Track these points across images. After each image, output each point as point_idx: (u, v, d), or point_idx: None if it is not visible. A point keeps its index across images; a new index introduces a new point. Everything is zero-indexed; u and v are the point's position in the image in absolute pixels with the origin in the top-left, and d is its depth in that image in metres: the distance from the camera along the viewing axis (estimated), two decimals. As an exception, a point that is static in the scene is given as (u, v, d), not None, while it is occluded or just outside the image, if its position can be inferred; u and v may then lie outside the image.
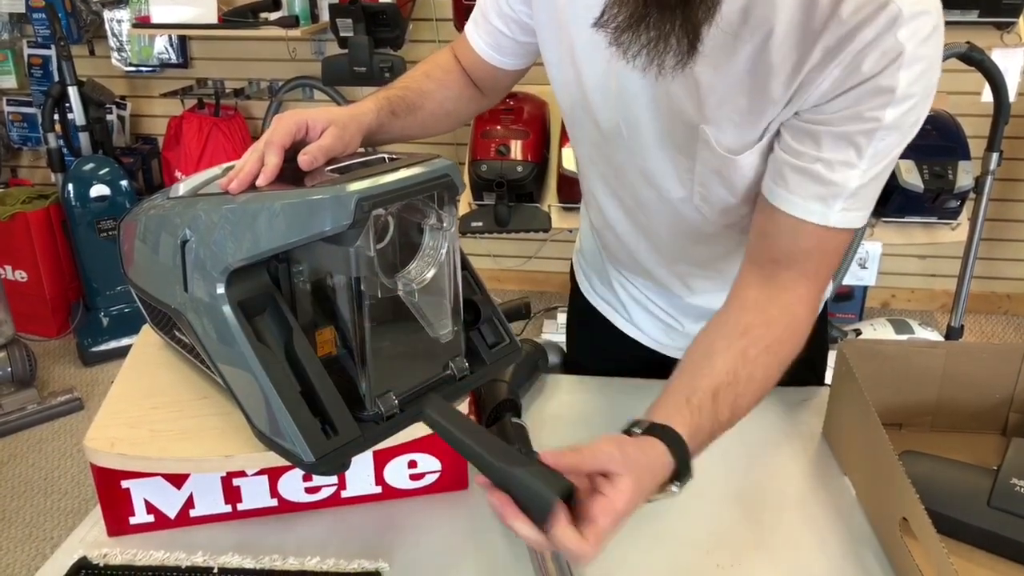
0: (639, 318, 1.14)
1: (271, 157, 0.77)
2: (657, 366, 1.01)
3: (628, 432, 0.71)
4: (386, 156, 0.80)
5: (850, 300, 2.95)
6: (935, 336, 2.51)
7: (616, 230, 1.04)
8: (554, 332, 2.87)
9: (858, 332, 2.55)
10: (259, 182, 0.76)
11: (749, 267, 0.84)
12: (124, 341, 2.86)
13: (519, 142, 2.49)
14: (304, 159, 0.78)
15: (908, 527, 0.74)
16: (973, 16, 2.41)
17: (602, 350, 1.19)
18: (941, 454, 0.89)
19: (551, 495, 0.61)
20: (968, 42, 2.17)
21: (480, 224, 2.45)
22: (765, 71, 0.75)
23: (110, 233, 2.83)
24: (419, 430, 0.81)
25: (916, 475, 0.74)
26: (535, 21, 0.93)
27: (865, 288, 2.94)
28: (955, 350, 0.95)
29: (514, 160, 2.47)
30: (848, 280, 2.50)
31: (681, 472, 0.70)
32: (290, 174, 0.78)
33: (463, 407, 0.85)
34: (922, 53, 0.70)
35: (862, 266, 2.57)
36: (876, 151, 0.74)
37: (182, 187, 0.83)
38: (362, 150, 0.86)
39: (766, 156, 0.81)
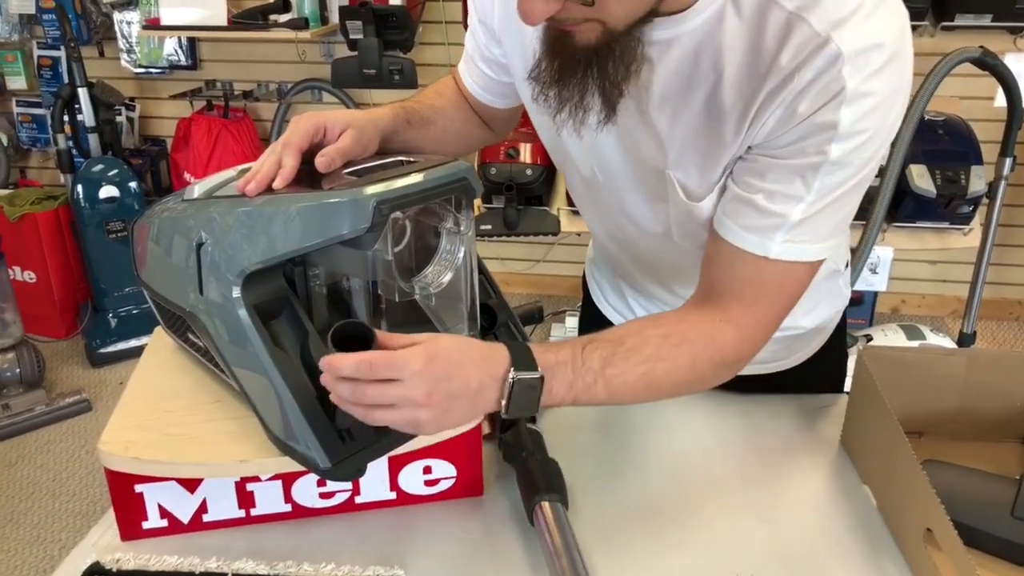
0: None
1: (288, 159, 0.77)
2: None
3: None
4: (403, 159, 0.80)
5: (860, 305, 2.93)
6: (947, 342, 2.50)
7: (616, 257, 1.06)
8: (562, 336, 2.86)
9: (869, 338, 2.54)
10: (276, 184, 0.75)
11: (696, 288, 0.83)
12: (132, 342, 2.86)
13: (528, 145, 2.48)
14: (321, 161, 0.77)
15: (932, 538, 0.73)
16: (987, 20, 2.39)
17: None
18: (962, 463, 0.88)
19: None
20: (981, 46, 2.16)
21: (489, 227, 2.45)
22: (718, 115, 0.75)
23: (119, 234, 2.83)
24: (435, 436, 0.80)
25: (938, 485, 0.73)
26: (508, 63, 0.92)
27: (875, 293, 2.92)
28: (977, 357, 0.94)
29: (523, 163, 2.47)
30: (859, 286, 2.49)
31: (515, 361, 0.69)
32: (307, 176, 0.77)
33: (479, 412, 0.84)
34: (870, 88, 0.69)
35: (873, 271, 2.55)
36: (823, 185, 0.73)
37: (197, 189, 0.83)
38: (379, 153, 0.85)
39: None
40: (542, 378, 0.69)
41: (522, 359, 0.69)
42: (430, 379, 0.66)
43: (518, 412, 0.70)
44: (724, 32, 0.72)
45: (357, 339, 0.66)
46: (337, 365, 0.65)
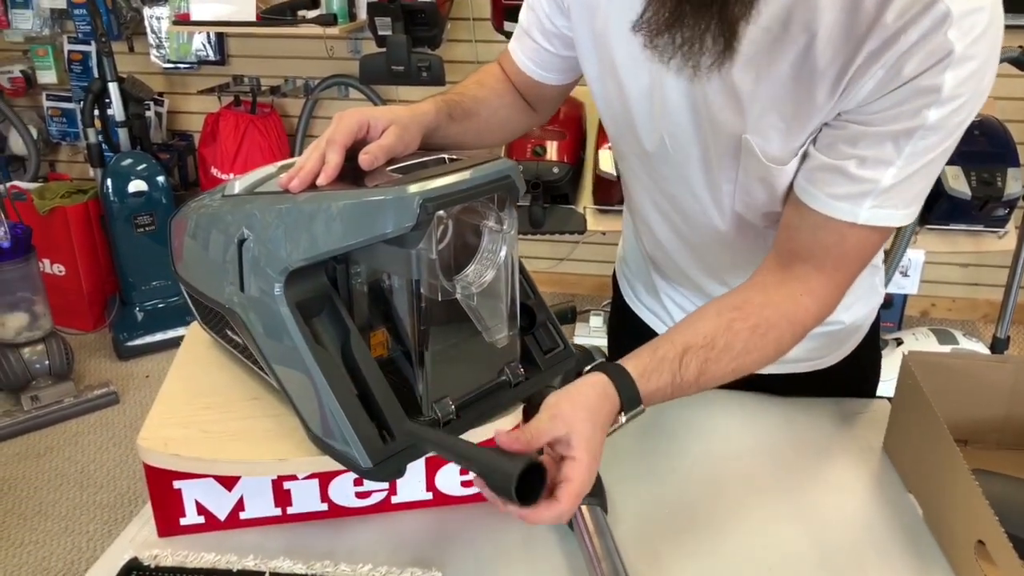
0: None
1: (332, 155, 0.76)
2: None
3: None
4: (446, 156, 0.79)
5: (889, 308, 2.89)
6: (980, 347, 2.45)
7: (662, 244, 1.03)
8: (586, 335, 2.84)
9: (899, 341, 2.50)
10: (320, 181, 0.75)
11: (770, 255, 0.84)
12: (159, 336, 2.88)
13: (555, 143, 2.47)
14: (365, 158, 0.76)
15: (984, 551, 0.71)
16: (1026, 20, 2.34)
17: None
18: (1009, 472, 0.86)
19: (513, 469, 0.65)
20: (1021, 47, 2.11)
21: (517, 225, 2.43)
22: (809, 77, 0.73)
23: (147, 228, 2.85)
24: (475, 436, 0.79)
25: (987, 495, 0.71)
26: (574, 36, 0.91)
27: (905, 296, 2.88)
28: (1026, 365, 0.92)
29: (550, 161, 2.45)
30: (890, 288, 2.45)
31: (626, 403, 0.73)
32: (350, 173, 0.77)
33: (517, 414, 0.83)
34: (973, 52, 0.68)
35: (904, 274, 2.51)
36: (915, 150, 0.72)
37: (237, 185, 0.82)
38: (422, 150, 0.84)
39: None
40: (644, 409, 0.74)
41: (630, 398, 0.73)
42: (593, 471, 0.70)
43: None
44: None
45: (532, 480, 0.67)
46: (538, 517, 0.68)
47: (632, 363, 0.74)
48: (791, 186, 0.82)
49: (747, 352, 0.77)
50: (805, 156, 0.79)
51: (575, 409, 0.70)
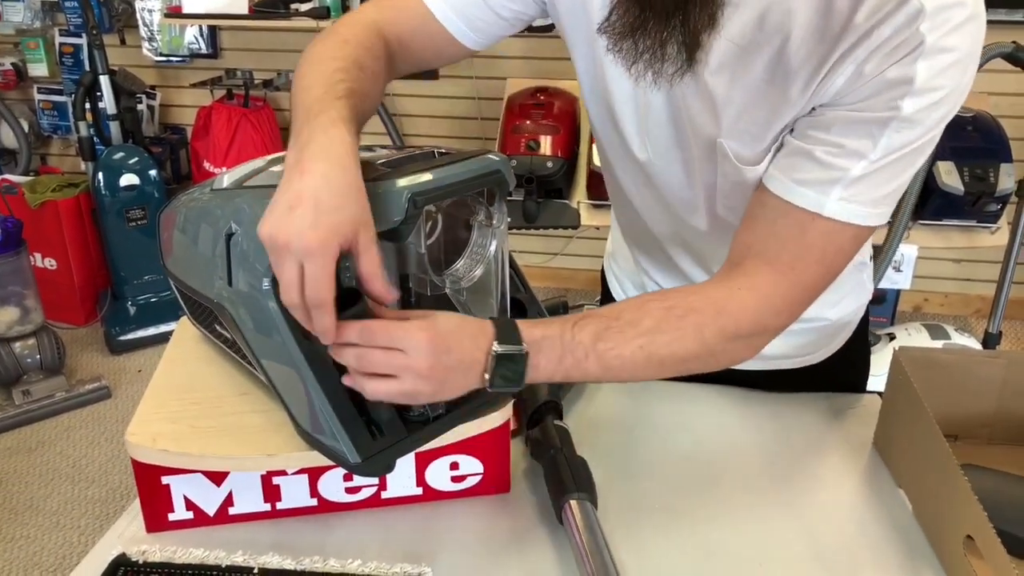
0: None
1: (327, 319, 0.64)
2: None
3: None
4: (435, 151, 0.78)
5: (882, 304, 2.89)
6: (972, 342, 2.46)
7: (649, 238, 1.01)
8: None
9: (891, 336, 2.51)
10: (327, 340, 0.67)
11: (725, 261, 0.80)
12: (151, 330, 2.87)
13: (549, 138, 2.47)
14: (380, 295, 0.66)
15: (973, 545, 0.71)
16: (1020, 15, 2.35)
17: None
18: (999, 467, 0.86)
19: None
20: (1014, 42, 2.11)
21: (508, 219, 2.43)
22: (783, 78, 0.73)
23: (138, 222, 2.84)
24: (463, 431, 0.79)
25: (977, 490, 0.72)
26: (565, 32, 0.88)
27: (898, 292, 2.88)
28: (1017, 360, 0.92)
29: (544, 156, 2.45)
30: (883, 284, 2.46)
31: (499, 332, 0.68)
32: None
33: (507, 409, 0.83)
34: (949, 44, 0.67)
35: (897, 269, 2.52)
36: (890, 143, 0.70)
37: (226, 179, 0.82)
38: (413, 147, 0.84)
39: None
40: (527, 353, 0.68)
41: (507, 333, 0.69)
42: (432, 351, 0.65)
43: (502, 386, 0.69)
44: None
45: (350, 299, 0.64)
46: (343, 332, 0.65)
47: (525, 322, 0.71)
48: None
49: (656, 331, 0.71)
50: (779, 149, 0.77)
51: (445, 313, 0.68)
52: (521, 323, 0.70)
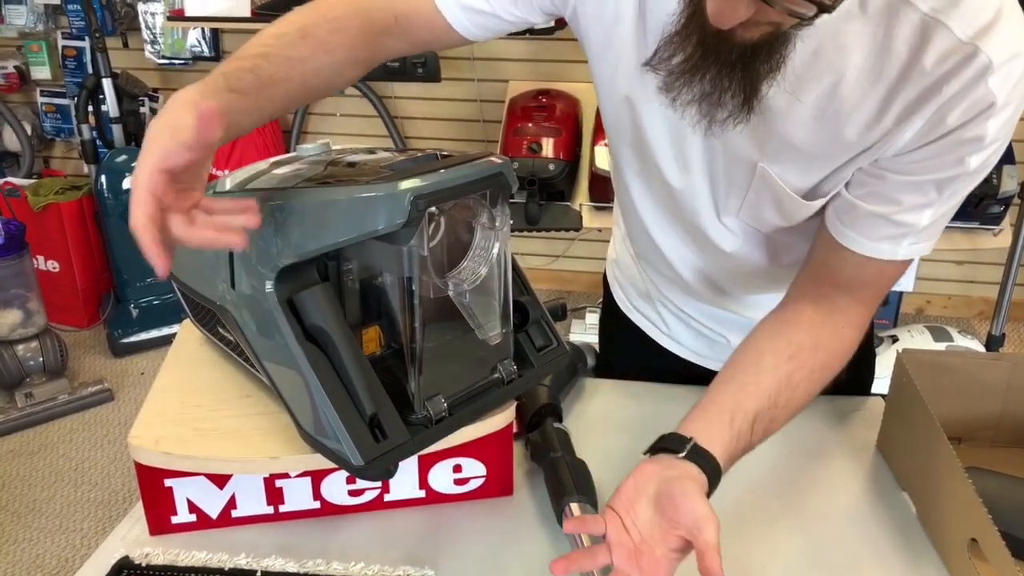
0: (680, 333, 1.11)
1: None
2: (696, 376, 0.99)
3: (670, 449, 0.73)
4: (438, 153, 0.78)
5: (885, 306, 2.89)
6: (975, 344, 2.46)
7: (661, 251, 0.99)
8: (583, 332, 2.84)
9: (895, 339, 2.50)
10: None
11: (806, 282, 0.84)
12: (154, 333, 2.87)
13: (551, 140, 2.46)
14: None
15: (977, 548, 0.71)
16: None
17: (639, 361, 1.16)
18: (1003, 470, 0.86)
19: None
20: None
21: (510, 222, 2.43)
22: (834, 117, 0.73)
23: (141, 225, 2.84)
24: (466, 434, 0.79)
25: (981, 493, 0.71)
26: (583, 36, 0.85)
27: (900, 294, 2.88)
28: (1021, 362, 0.91)
29: (546, 158, 2.45)
30: (885, 285, 2.46)
31: (711, 486, 0.73)
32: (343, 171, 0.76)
33: (509, 412, 0.82)
34: (1012, 98, 0.68)
35: (899, 271, 2.52)
36: (954, 191, 0.74)
37: (228, 182, 0.82)
38: (415, 150, 0.83)
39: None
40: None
41: (716, 482, 0.73)
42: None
43: None
44: (847, 32, 0.68)
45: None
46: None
47: (718, 446, 0.73)
48: (808, 216, 0.83)
49: (804, 404, 0.80)
50: (835, 196, 0.79)
51: (680, 505, 0.71)
52: (724, 463, 0.73)
